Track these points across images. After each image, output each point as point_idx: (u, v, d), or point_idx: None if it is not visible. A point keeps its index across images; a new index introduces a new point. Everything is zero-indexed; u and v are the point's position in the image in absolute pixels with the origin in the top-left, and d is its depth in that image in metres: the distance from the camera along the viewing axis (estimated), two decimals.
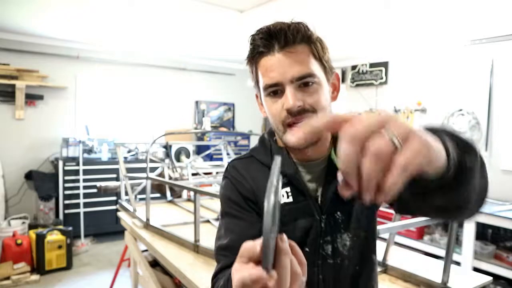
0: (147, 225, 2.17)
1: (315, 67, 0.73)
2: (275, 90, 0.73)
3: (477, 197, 0.53)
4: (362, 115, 0.37)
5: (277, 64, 0.71)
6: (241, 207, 0.80)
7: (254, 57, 0.75)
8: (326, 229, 0.79)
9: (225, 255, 0.77)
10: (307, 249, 0.78)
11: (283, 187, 0.78)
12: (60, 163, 3.91)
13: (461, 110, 3.69)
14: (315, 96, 0.72)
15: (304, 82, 0.71)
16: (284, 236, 0.40)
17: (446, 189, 0.46)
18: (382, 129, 0.35)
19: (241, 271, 0.41)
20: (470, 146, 0.49)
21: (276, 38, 0.71)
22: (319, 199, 0.80)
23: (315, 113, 0.72)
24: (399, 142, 0.34)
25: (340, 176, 0.38)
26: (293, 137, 0.38)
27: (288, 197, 0.79)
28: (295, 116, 0.71)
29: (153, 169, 2.97)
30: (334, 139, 0.81)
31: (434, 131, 0.46)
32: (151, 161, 3.17)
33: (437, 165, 0.40)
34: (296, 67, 0.71)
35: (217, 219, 2.23)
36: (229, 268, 0.64)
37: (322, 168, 0.81)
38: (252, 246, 0.42)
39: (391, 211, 3.57)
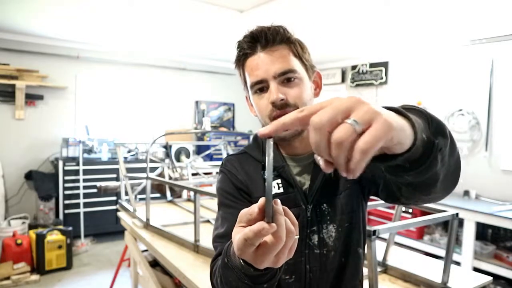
0: (147, 225, 2.17)
1: (295, 64, 0.80)
2: (261, 87, 0.80)
3: (448, 176, 0.57)
4: (331, 101, 0.41)
5: (260, 63, 0.79)
6: (235, 197, 0.86)
7: (241, 60, 0.83)
8: (312, 219, 0.83)
9: (222, 242, 0.80)
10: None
11: (274, 179, 0.84)
12: (60, 163, 3.91)
13: (461, 110, 3.69)
14: (297, 90, 0.79)
15: (286, 78, 0.78)
16: (278, 201, 0.47)
17: (414, 166, 0.49)
18: (347, 115, 0.39)
19: (241, 231, 0.47)
20: (441, 127, 0.52)
21: (258, 39, 0.79)
22: (307, 190, 0.84)
23: (297, 108, 0.77)
24: (361, 128, 0.38)
25: (317, 157, 0.42)
26: (262, 132, 0.44)
27: (279, 188, 0.84)
28: (279, 109, 0.78)
29: (153, 169, 2.97)
30: None
31: (408, 110, 0.50)
32: (151, 161, 3.17)
33: (401, 145, 0.44)
34: (278, 64, 0.78)
35: None
36: None
37: (310, 162, 0.86)
38: (249, 209, 0.49)
39: (392, 211, 3.58)
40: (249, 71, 0.81)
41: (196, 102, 5.33)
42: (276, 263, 0.50)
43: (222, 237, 0.82)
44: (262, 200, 0.47)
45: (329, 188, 0.84)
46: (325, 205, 0.84)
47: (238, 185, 0.87)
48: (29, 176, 4.05)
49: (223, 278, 0.62)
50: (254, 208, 0.48)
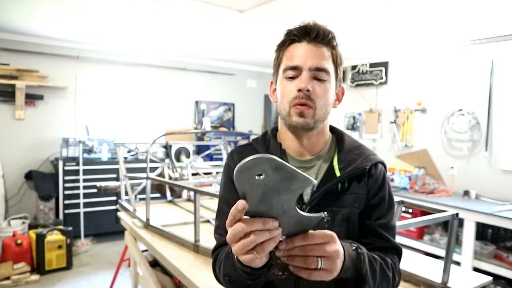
0: (147, 225, 2.17)
1: (331, 68, 0.84)
2: (293, 73, 0.83)
3: None
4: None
5: (303, 52, 0.82)
6: (229, 190, 0.91)
7: (286, 43, 0.86)
8: None
9: (219, 233, 0.90)
10: None
11: None
12: (60, 163, 3.91)
13: (461, 110, 3.69)
14: (323, 90, 0.82)
15: (319, 75, 0.82)
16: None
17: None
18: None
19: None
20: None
21: (309, 32, 0.82)
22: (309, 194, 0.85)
23: (316, 108, 0.81)
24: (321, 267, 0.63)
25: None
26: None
27: None
28: (303, 98, 0.80)
29: (153, 169, 2.97)
30: (339, 146, 0.90)
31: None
32: (151, 161, 3.17)
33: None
34: (317, 59, 0.81)
35: None
36: (224, 245, 0.86)
37: (313, 165, 0.88)
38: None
39: None
40: (289, 55, 0.84)
41: (196, 102, 5.33)
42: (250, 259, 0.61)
43: (217, 228, 0.92)
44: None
45: (333, 199, 0.84)
46: (325, 213, 0.84)
47: (232, 179, 0.89)
48: (29, 176, 4.05)
49: (222, 268, 0.77)
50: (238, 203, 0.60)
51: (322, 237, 0.63)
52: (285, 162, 0.55)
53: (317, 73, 0.81)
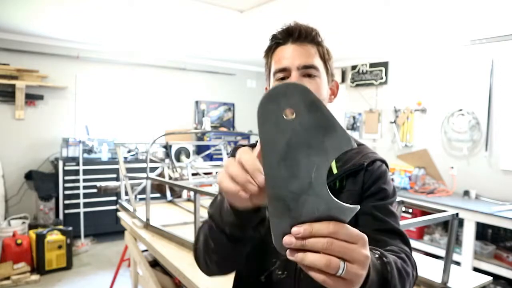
0: (147, 225, 2.17)
1: (319, 64, 0.85)
2: (283, 76, 0.84)
3: None
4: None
5: (289, 53, 0.84)
6: None
7: (272, 48, 0.88)
8: None
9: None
10: None
11: None
12: (60, 163, 3.91)
13: (461, 110, 3.69)
14: (315, 86, 0.83)
15: (308, 72, 0.83)
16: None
17: None
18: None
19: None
20: None
21: (292, 33, 0.84)
22: None
23: None
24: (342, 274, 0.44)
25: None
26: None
27: None
28: None
29: (153, 169, 2.97)
30: None
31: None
32: (151, 161, 3.17)
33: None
34: (304, 58, 0.83)
35: None
36: None
37: None
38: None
39: None
40: (276, 59, 0.86)
41: (196, 102, 5.33)
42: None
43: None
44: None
45: None
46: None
47: None
48: (29, 176, 4.04)
49: (201, 230, 0.77)
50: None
51: (354, 235, 0.46)
52: (322, 102, 0.42)
53: (306, 71, 0.82)
